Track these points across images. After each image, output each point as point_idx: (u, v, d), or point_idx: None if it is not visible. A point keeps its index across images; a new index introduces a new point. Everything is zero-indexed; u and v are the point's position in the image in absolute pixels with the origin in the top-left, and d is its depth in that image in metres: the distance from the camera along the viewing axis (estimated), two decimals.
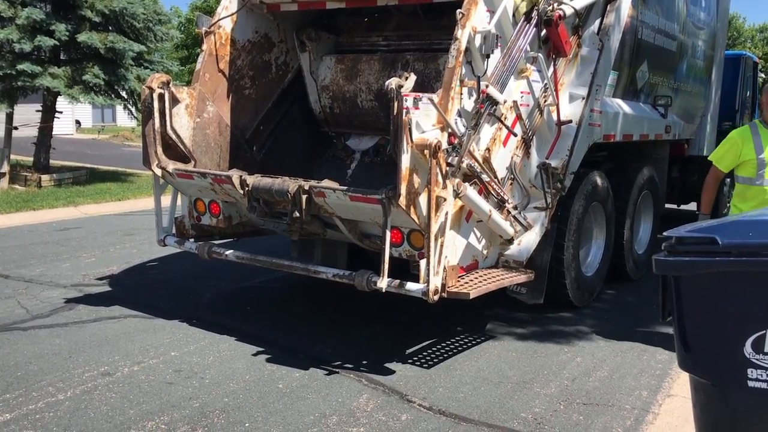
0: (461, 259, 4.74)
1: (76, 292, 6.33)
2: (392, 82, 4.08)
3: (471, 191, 4.51)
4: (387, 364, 4.73)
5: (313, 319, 5.73)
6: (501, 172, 4.97)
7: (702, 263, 2.72)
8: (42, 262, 7.45)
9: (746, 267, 2.67)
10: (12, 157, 13.39)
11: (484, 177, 4.64)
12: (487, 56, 4.54)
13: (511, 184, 5.14)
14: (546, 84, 5.28)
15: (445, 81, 4.43)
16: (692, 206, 10.67)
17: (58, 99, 13.69)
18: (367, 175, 6.20)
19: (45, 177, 13.40)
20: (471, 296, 4.44)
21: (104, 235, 9.14)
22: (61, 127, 20.55)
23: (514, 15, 4.90)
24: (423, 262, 4.30)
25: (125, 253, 7.95)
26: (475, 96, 4.54)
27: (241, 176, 4.98)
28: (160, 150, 5.33)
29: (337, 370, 4.62)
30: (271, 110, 6.34)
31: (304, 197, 4.64)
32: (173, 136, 5.39)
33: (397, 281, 4.43)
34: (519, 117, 5.05)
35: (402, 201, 4.15)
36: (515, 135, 5.06)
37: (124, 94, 13.83)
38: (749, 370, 2.70)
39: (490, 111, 4.61)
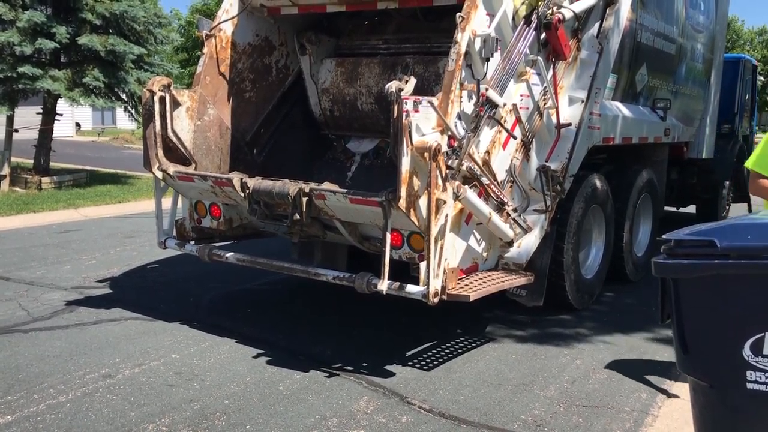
0: (461, 261, 4.75)
1: (77, 294, 6.34)
2: (392, 86, 4.10)
3: (471, 194, 4.52)
4: (387, 366, 4.74)
5: (313, 321, 5.74)
6: (501, 175, 4.98)
7: (701, 266, 2.74)
8: (42, 264, 7.46)
9: (745, 269, 2.69)
10: (12, 159, 13.40)
11: (484, 180, 4.66)
12: (487, 59, 4.56)
13: (511, 186, 5.15)
14: (545, 87, 5.30)
15: (444, 84, 4.45)
16: (691, 209, 10.71)
17: (58, 101, 13.71)
18: (367, 178, 6.21)
19: (45, 179, 13.42)
20: (471, 299, 4.46)
21: (104, 237, 9.16)
22: (61, 129, 20.56)
23: (513, 18, 4.92)
24: (423, 265, 4.31)
25: (126, 256, 7.96)
26: (474, 99, 4.56)
27: (241, 179, 5.00)
28: (160, 153, 5.34)
29: (337, 372, 4.63)
30: (271, 113, 6.36)
31: (304, 200, 4.65)
32: (174, 139, 5.41)
33: (397, 284, 4.44)
34: (518, 120, 5.07)
35: (402, 203, 4.16)
36: (515, 138, 5.08)
37: (124, 96, 13.86)
38: (748, 372, 2.72)
39: (490, 114, 4.63)
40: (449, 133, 4.34)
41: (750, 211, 11.02)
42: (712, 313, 2.78)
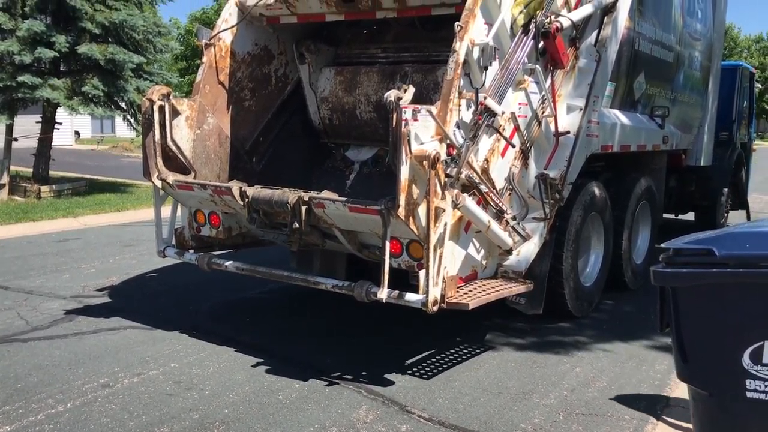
0: (460, 269, 4.75)
1: (76, 303, 6.33)
2: (391, 94, 4.11)
3: (470, 202, 4.53)
4: (386, 375, 4.74)
5: (312, 330, 5.73)
6: (499, 183, 4.99)
7: (699, 274, 2.74)
8: (41, 273, 7.46)
9: (744, 278, 2.69)
10: (12, 168, 13.41)
11: (483, 188, 4.66)
12: (485, 68, 4.57)
13: (510, 194, 5.16)
14: (544, 95, 5.31)
15: (443, 93, 4.46)
16: (690, 216, 10.72)
17: (57, 110, 13.73)
18: (366, 186, 6.22)
19: (44, 188, 13.41)
20: (470, 307, 4.45)
21: (104, 246, 9.15)
22: (61, 138, 20.57)
23: (511, 27, 4.94)
24: (422, 273, 4.31)
25: (125, 264, 7.96)
26: (473, 108, 4.57)
27: (241, 187, 5.00)
28: (160, 161, 5.35)
29: (336, 381, 4.63)
30: (270, 122, 6.37)
31: (303, 208, 4.66)
32: (173, 148, 5.42)
33: (397, 292, 4.44)
34: (517, 128, 5.08)
35: (401, 212, 4.17)
36: (513, 146, 5.09)
37: (123, 105, 13.88)
38: (747, 381, 2.72)
39: (489, 122, 4.64)
40: (448, 141, 4.35)
41: (749, 218, 11.04)
42: (711, 322, 2.79)
